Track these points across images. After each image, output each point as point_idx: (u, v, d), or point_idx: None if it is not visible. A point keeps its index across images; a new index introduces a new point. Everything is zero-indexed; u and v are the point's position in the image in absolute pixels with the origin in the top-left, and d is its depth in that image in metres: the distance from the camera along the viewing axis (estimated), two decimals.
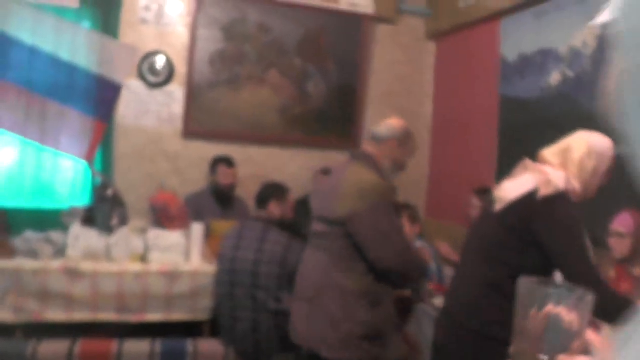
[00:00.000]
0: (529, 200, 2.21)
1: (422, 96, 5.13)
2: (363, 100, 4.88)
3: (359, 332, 2.62)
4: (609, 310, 2.13)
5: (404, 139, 2.88)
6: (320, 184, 2.94)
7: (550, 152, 2.36)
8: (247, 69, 4.54)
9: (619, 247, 2.97)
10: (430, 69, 5.12)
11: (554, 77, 3.83)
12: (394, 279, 2.74)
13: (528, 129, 4.02)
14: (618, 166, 2.30)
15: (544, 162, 2.35)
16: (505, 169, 4.33)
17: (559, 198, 2.18)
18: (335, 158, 4.81)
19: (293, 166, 4.74)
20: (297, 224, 4.36)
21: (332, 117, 4.79)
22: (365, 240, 2.64)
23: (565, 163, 2.28)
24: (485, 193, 4.08)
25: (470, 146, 4.58)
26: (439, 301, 3.09)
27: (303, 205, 4.59)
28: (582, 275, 2.08)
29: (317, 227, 2.86)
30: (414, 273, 2.81)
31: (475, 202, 4.01)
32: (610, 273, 3.05)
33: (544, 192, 2.18)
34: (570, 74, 3.71)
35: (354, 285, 2.66)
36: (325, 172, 2.94)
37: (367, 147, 2.87)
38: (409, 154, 2.91)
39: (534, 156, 4.02)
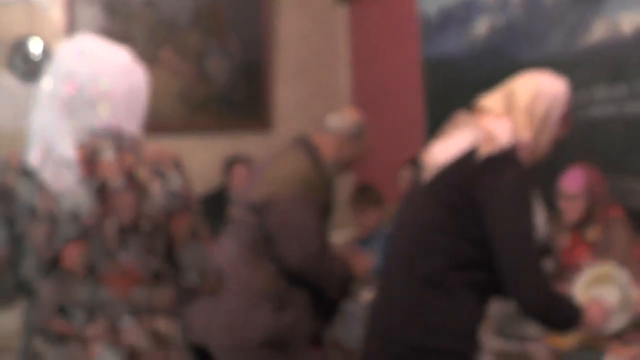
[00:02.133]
0: (466, 162, 1.73)
1: (338, 68, 4.64)
2: (272, 76, 4.36)
3: (257, 338, 2.29)
4: (550, 320, 1.71)
5: (354, 135, 2.53)
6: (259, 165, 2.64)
7: (489, 99, 1.87)
8: (136, 46, 3.93)
9: (570, 210, 2.57)
10: (344, 37, 4.64)
11: (481, 29, 3.42)
12: (308, 284, 2.39)
13: (457, 90, 3.61)
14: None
15: (481, 112, 1.87)
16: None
17: (506, 157, 1.70)
18: (247, 142, 4.29)
19: (201, 155, 4.18)
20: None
21: (239, 98, 4.25)
22: (275, 232, 2.32)
23: (510, 110, 1.79)
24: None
25: (396, 117, 4.14)
26: (367, 296, 2.58)
27: (216, 200, 4.04)
28: (523, 270, 1.64)
29: (236, 211, 2.52)
30: (329, 283, 2.42)
31: (407, 176, 3.59)
32: (563, 240, 2.66)
33: (486, 150, 1.70)
34: (499, 22, 3.31)
35: (261, 284, 2.34)
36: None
37: (318, 135, 2.53)
38: (356, 152, 2.56)
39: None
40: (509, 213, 1.65)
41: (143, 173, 1.48)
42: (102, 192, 1.44)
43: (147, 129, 3.96)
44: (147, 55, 3.97)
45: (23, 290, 1.53)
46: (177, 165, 1.55)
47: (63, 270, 1.46)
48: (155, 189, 1.49)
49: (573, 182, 2.54)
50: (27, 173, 1.45)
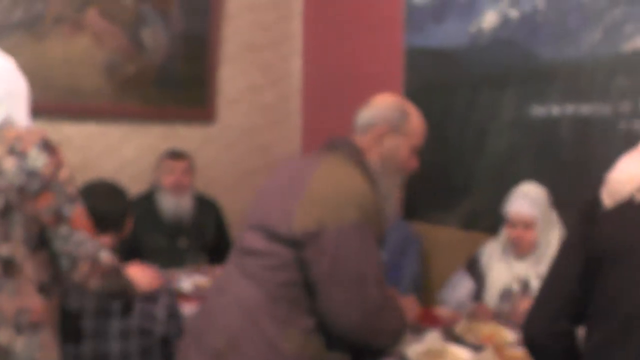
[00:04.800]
0: None
1: (290, 50, 4.01)
2: (216, 54, 3.64)
3: None
4: None
5: (400, 121, 1.86)
6: (274, 178, 1.88)
7: None
8: (53, 6, 3.07)
9: None
10: (300, 13, 4.00)
11: (489, 20, 2.96)
12: (351, 344, 1.74)
13: (450, 89, 3.13)
14: None
15: None
16: None
17: None
18: (184, 133, 3.58)
19: (129, 148, 3.39)
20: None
21: (177, 78, 3.48)
22: (323, 276, 1.64)
23: None
24: None
25: None
26: (418, 349, 1.99)
27: (146, 202, 3.29)
28: None
29: (252, 241, 1.78)
30: (383, 342, 1.80)
31: None
32: None
33: None
34: (514, 14, 2.86)
35: (292, 347, 1.66)
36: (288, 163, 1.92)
37: (356, 138, 1.87)
38: (411, 144, 1.88)
39: (457, 127, 3.15)
40: None
41: None
42: None
43: (65, 114, 3.19)
44: (67, 16, 3.14)
45: None
46: (44, 145, 1.49)
47: None
48: (8, 166, 1.45)
49: None
50: None
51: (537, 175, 2.64)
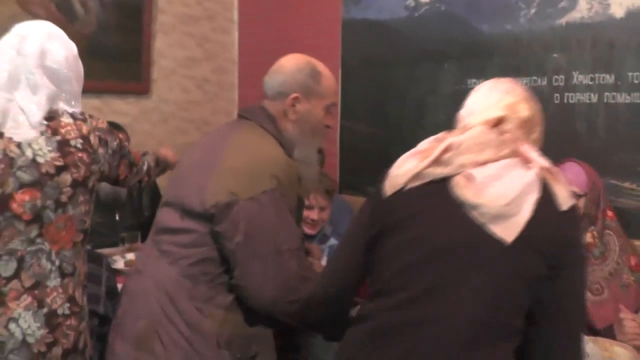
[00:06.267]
0: (549, 220, 1.28)
1: (227, 22, 3.93)
2: (151, 25, 3.54)
3: None
4: None
5: (312, 84, 1.80)
6: (188, 155, 1.85)
7: (495, 112, 1.47)
8: None
9: None
10: None
11: None
12: (272, 317, 1.69)
13: (388, 62, 3.14)
14: None
15: (503, 132, 1.43)
16: (351, 121, 3.44)
17: (575, 208, 1.34)
18: (118, 107, 3.47)
19: None
20: None
21: (111, 49, 3.37)
22: (238, 249, 1.59)
23: (529, 134, 1.47)
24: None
25: None
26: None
27: None
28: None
29: (167, 219, 1.75)
30: (308, 319, 1.71)
31: (322, 203, 2.93)
32: None
33: (568, 203, 1.31)
34: None
35: (212, 325, 1.62)
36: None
37: (268, 105, 1.83)
38: (325, 104, 1.84)
39: (396, 101, 3.17)
40: (582, 288, 1.36)
41: (94, 139, 1.68)
42: (63, 146, 1.59)
43: None
44: None
45: None
46: (110, 130, 1.79)
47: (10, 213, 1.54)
48: (101, 153, 1.71)
49: (575, 180, 2.20)
50: None
51: None
